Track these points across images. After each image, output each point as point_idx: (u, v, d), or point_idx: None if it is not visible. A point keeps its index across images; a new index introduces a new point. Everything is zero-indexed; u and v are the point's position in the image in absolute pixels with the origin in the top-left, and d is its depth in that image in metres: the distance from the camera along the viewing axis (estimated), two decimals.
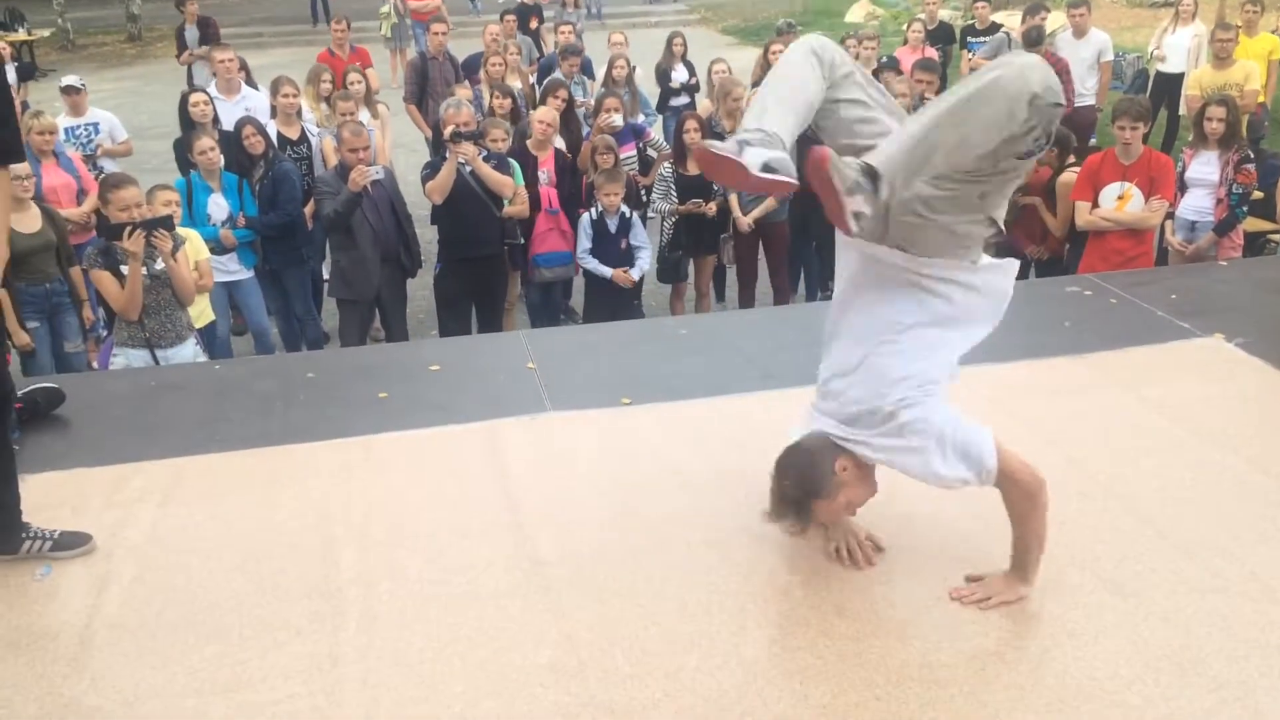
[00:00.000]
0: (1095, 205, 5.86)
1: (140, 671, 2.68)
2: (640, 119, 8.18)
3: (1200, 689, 2.52)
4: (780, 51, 8.29)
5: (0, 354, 3.10)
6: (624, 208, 6.48)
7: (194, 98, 7.18)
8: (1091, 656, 2.64)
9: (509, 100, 7.40)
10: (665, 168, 6.86)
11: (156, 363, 4.92)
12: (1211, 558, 3.00)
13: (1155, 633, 2.71)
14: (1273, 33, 10.54)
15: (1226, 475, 3.43)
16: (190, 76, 11.28)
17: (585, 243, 6.51)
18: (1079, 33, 9.04)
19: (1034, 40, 8.55)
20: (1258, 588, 2.87)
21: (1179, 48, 9.45)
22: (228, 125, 7.05)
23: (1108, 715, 2.46)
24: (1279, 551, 3.02)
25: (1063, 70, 8.59)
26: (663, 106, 9.53)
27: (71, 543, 3.15)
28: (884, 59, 8.88)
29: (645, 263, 6.61)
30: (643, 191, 7.17)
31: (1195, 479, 3.41)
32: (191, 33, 11.55)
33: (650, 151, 7.57)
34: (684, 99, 9.51)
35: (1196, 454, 3.56)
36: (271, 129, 7.06)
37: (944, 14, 12.19)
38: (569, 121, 7.40)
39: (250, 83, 8.34)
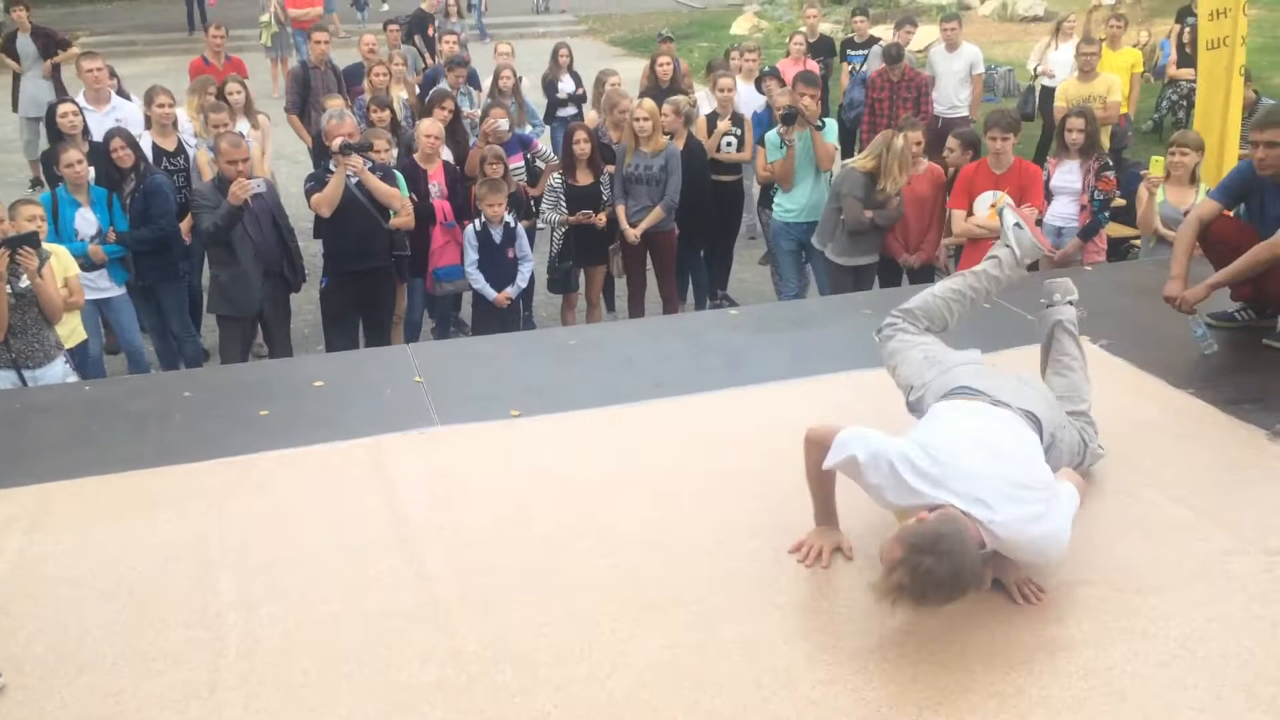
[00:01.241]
0: (970, 214, 6.07)
1: (5, 706, 2.56)
2: (527, 130, 8.17)
3: (1071, 676, 2.62)
4: (667, 64, 8.40)
5: None
6: (509, 218, 6.46)
7: (62, 108, 6.91)
8: (971, 649, 2.72)
9: (387, 112, 7.31)
10: (555, 178, 6.86)
11: (24, 383, 4.71)
12: (1080, 549, 3.10)
13: (1029, 623, 2.81)
14: (1135, 47, 11.07)
15: (1094, 471, 3.57)
16: (15, 91, 10.55)
17: (472, 254, 6.47)
18: (951, 46, 9.34)
19: (894, 58, 8.80)
20: (1124, 578, 2.99)
21: (1063, 63, 9.80)
22: (98, 136, 6.80)
23: (984, 705, 2.54)
24: (1144, 544, 3.16)
25: (926, 84, 8.87)
26: (550, 117, 9.54)
27: None
28: (766, 69, 9.04)
29: (527, 274, 6.59)
30: (532, 202, 7.16)
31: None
32: (25, 43, 10.43)
33: (538, 163, 7.57)
34: (571, 110, 9.53)
35: None
36: (146, 140, 6.84)
37: (824, 27, 12.47)
38: (455, 133, 7.34)
39: (121, 92, 8.07)
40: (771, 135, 6.83)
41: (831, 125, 7.01)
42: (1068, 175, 6.39)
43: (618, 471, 3.63)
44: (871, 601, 2.69)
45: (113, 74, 7.96)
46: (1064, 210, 6.42)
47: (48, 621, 2.87)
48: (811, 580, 3.01)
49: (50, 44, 10.51)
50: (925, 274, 6.38)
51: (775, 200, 7.00)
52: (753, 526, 3.26)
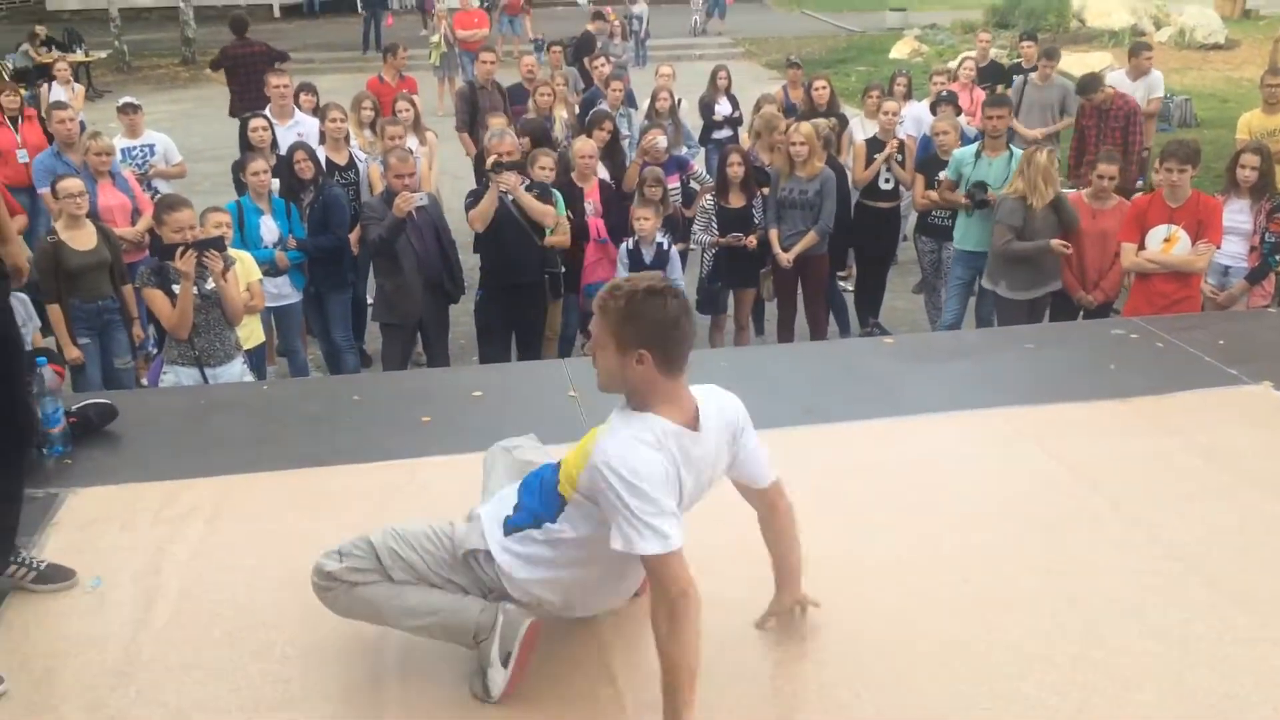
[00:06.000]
0: (1142, 247, 5.83)
1: (186, 686, 2.72)
2: (683, 151, 8.24)
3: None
4: (824, 89, 8.37)
5: (22, 380, 3.08)
6: (662, 240, 6.50)
7: (254, 122, 7.30)
8: (1134, 704, 2.61)
9: (527, 139, 7.40)
10: (707, 200, 6.91)
11: (206, 381, 4.99)
12: (1259, 606, 2.96)
13: (1201, 681, 2.68)
14: None
15: (1274, 523, 3.38)
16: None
17: (622, 272, 6.54)
18: (1139, 73, 8.98)
19: (1087, 88, 8.46)
20: None
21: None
22: (281, 149, 7.18)
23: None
24: None
25: (1135, 111, 8.48)
26: (705, 139, 9.59)
27: (55, 576, 3.13)
28: (944, 93, 8.77)
29: None
30: (687, 224, 7.22)
31: (1243, 526, 3.37)
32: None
33: (693, 184, 7.62)
34: (726, 132, 9.56)
35: (1244, 501, 3.52)
36: (319, 154, 7.18)
37: (992, 52, 12.18)
38: (614, 153, 7.47)
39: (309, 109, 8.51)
40: (962, 155, 6.74)
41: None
42: (1237, 215, 6.09)
43: None
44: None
45: (312, 90, 8.47)
46: (1231, 249, 6.12)
47: (225, 607, 3.03)
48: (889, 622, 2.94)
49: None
50: (1102, 312, 6.15)
51: (956, 227, 6.87)
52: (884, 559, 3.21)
